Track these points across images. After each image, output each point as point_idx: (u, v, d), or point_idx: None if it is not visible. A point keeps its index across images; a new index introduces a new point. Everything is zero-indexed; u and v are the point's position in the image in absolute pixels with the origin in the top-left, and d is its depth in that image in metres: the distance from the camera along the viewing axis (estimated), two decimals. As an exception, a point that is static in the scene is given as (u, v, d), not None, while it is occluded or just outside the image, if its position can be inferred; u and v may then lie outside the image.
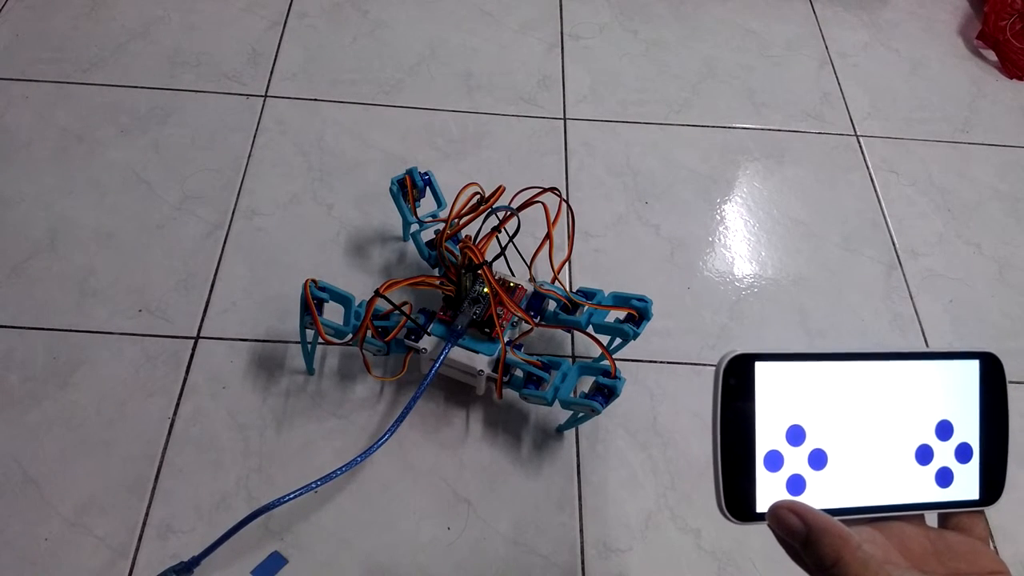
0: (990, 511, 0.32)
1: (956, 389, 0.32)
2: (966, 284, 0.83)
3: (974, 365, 0.32)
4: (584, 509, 0.65)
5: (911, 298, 0.81)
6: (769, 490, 0.30)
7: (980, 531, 0.32)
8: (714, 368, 0.30)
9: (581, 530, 0.64)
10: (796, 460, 0.30)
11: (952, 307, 0.81)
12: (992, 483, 0.32)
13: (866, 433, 0.31)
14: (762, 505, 0.30)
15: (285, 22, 0.98)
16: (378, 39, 0.98)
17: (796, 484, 0.30)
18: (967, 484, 0.32)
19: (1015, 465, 0.33)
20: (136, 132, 0.85)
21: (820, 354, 0.30)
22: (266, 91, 0.90)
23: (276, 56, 0.94)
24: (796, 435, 0.30)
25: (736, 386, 0.30)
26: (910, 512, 0.32)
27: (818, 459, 0.30)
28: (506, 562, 0.61)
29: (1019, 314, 0.81)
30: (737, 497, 0.29)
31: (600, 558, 0.62)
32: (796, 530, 0.28)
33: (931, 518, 0.33)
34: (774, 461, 0.30)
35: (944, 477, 0.32)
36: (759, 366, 0.30)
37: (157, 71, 0.91)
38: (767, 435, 0.30)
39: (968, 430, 0.32)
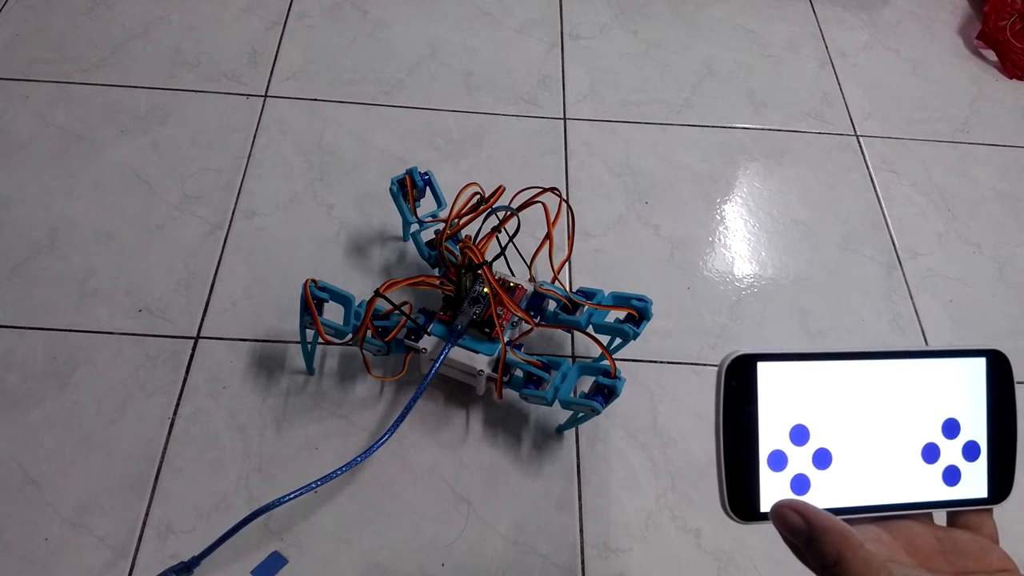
0: (996, 511, 0.32)
1: (963, 387, 0.32)
2: (966, 284, 0.83)
3: (981, 363, 0.32)
4: (584, 509, 0.65)
5: (911, 298, 0.81)
6: (773, 490, 0.30)
7: (989, 529, 0.31)
8: (716, 369, 0.30)
9: (581, 530, 0.64)
10: (800, 460, 0.30)
11: (952, 307, 0.81)
12: (1000, 481, 0.32)
13: (871, 432, 0.31)
14: (766, 505, 0.29)
15: (285, 22, 0.98)
16: (378, 39, 0.98)
17: (800, 484, 0.30)
18: (975, 483, 0.32)
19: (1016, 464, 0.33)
20: (136, 132, 0.85)
21: (823, 353, 0.30)
22: (266, 91, 0.90)
23: (276, 56, 0.94)
24: (800, 435, 0.30)
25: (738, 387, 0.29)
26: (917, 511, 0.31)
27: (822, 458, 0.30)
28: (506, 562, 0.61)
29: (1019, 314, 0.81)
30: (741, 497, 0.29)
31: (600, 558, 0.62)
32: (798, 529, 0.28)
33: (939, 517, 0.33)
34: (778, 461, 0.30)
35: (951, 476, 0.32)
36: (761, 366, 0.30)
37: (157, 71, 0.91)
38: (770, 435, 0.30)
39: (975, 428, 0.32)
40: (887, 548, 0.30)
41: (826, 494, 0.30)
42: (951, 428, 0.32)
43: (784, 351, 0.30)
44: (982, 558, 0.30)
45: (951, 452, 0.32)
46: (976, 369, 0.32)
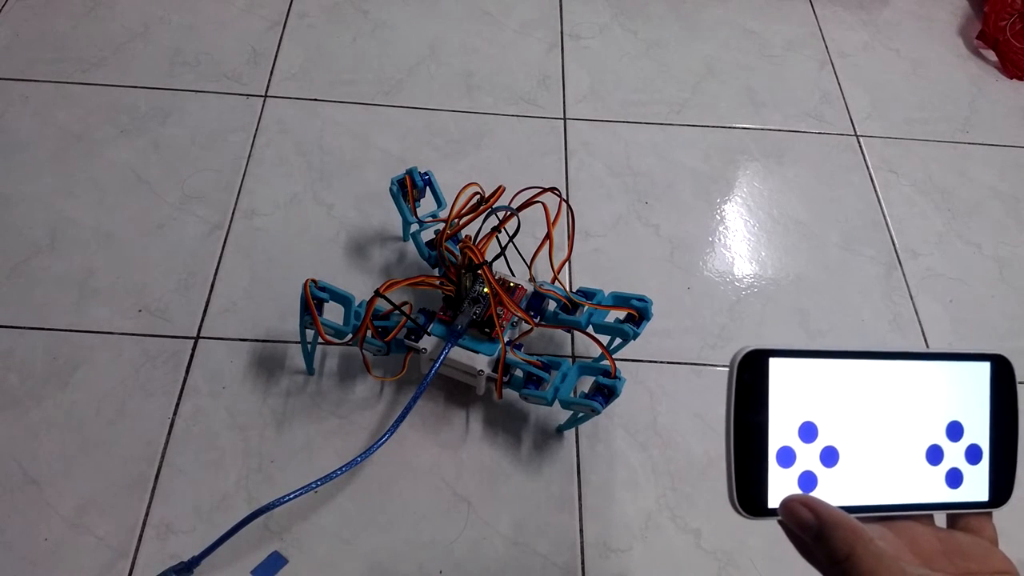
0: (995, 514, 0.32)
1: (967, 390, 0.32)
2: (966, 284, 0.83)
3: (985, 367, 0.32)
4: (584, 509, 0.65)
5: (911, 298, 0.81)
6: (781, 486, 0.30)
7: (989, 532, 0.32)
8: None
9: (581, 530, 0.64)
10: (808, 457, 0.30)
11: (952, 307, 0.81)
12: (1002, 485, 0.32)
13: (878, 432, 0.31)
14: (773, 500, 0.30)
15: (285, 22, 0.98)
16: (378, 39, 0.98)
17: (808, 481, 0.30)
18: (977, 485, 0.32)
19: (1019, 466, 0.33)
20: (136, 132, 0.85)
21: (834, 351, 0.30)
22: (266, 91, 0.90)
23: (276, 56, 0.94)
24: (808, 432, 0.30)
25: (750, 382, 0.30)
26: (920, 512, 0.32)
27: (830, 456, 0.30)
28: (506, 562, 0.61)
29: (1019, 314, 0.81)
30: (749, 492, 0.29)
31: (600, 558, 0.62)
32: (808, 524, 0.28)
33: (940, 519, 0.33)
34: (786, 457, 0.30)
35: (954, 478, 0.32)
36: (773, 362, 0.30)
37: (157, 71, 0.91)
38: (780, 431, 0.30)
39: (978, 432, 0.32)
40: (892, 547, 0.30)
41: (833, 492, 0.30)
42: (955, 431, 0.32)
43: (796, 348, 0.30)
44: (984, 560, 0.30)
45: (954, 455, 0.32)
46: (980, 373, 0.32)
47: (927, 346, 0.78)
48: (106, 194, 0.80)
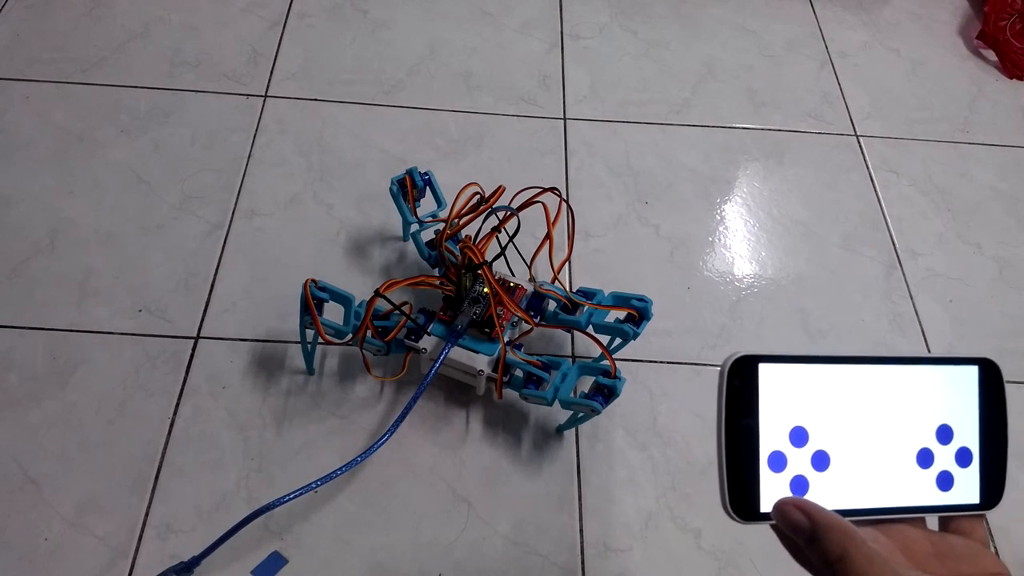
0: (992, 512, 0.33)
1: (956, 394, 0.32)
2: (966, 284, 0.83)
3: (973, 371, 0.33)
4: (584, 509, 0.65)
5: (911, 298, 0.81)
6: (773, 490, 0.30)
7: (981, 534, 0.32)
8: (718, 369, 0.30)
9: (581, 530, 0.64)
10: (799, 461, 0.30)
11: (952, 307, 0.81)
12: (992, 488, 0.33)
13: (868, 436, 0.31)
14: (766, 505, 0.30)
15: (285, 22, 0.98)
16: (378, 39, 0.98)
17: (799, 485, 0.30)
18: (967, 488, 0.32)
19: (1016, 466, 0.33)
20: (136, 132, 0.85)
21: (823, 357, 0.31)
22: (266, 91, 0.90)
23: (276, 56, 0.94)
24: (799, 436, 0.30)
25: (740, 387, 0.30)
26: (911, 515, 0.32)
27: (821, 460, 0.31)
28: (506, 562, 0.61)
29: (1019, 314, 0.81)
30: (741, 497, 0.30)
31: (600, 558, 0.62)
32: (801, 526, 0.28)
33: (932, 522, 0.33)
34: (778, 462, 0.30)
35: (945, 481, 0.32)
36: (763, 368, 0.30)
37: (157, 71, 0.91)
38: (771, 436, 0.30)
39: (968, 435, 0.32)
40: (885, 549, 0.30)
41: (824, 496, 0.30)
42: (944, 434, 0.32)
43: (785, 354, 0.30)
44: (975, 562, 0.30)
45: (944, 458, 0.32)
46: (968, 377, 0.33)
47: (927, 346, 0.78)
48: (106, 194, 0.80)
